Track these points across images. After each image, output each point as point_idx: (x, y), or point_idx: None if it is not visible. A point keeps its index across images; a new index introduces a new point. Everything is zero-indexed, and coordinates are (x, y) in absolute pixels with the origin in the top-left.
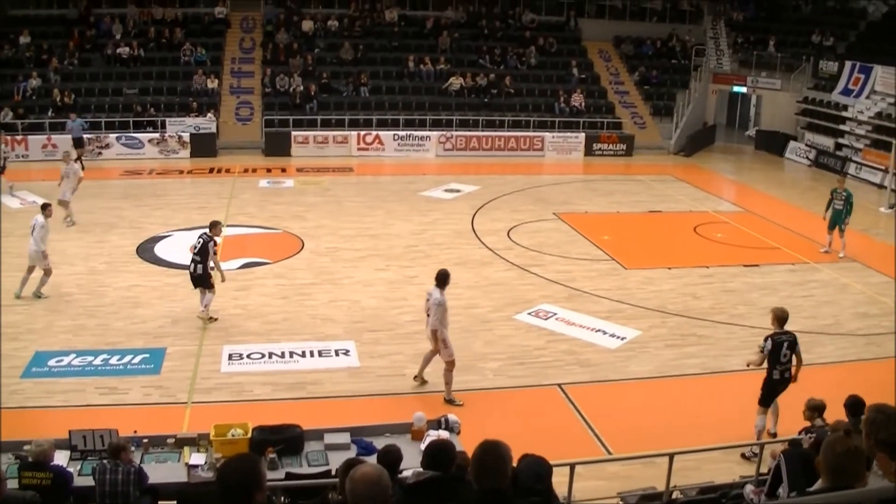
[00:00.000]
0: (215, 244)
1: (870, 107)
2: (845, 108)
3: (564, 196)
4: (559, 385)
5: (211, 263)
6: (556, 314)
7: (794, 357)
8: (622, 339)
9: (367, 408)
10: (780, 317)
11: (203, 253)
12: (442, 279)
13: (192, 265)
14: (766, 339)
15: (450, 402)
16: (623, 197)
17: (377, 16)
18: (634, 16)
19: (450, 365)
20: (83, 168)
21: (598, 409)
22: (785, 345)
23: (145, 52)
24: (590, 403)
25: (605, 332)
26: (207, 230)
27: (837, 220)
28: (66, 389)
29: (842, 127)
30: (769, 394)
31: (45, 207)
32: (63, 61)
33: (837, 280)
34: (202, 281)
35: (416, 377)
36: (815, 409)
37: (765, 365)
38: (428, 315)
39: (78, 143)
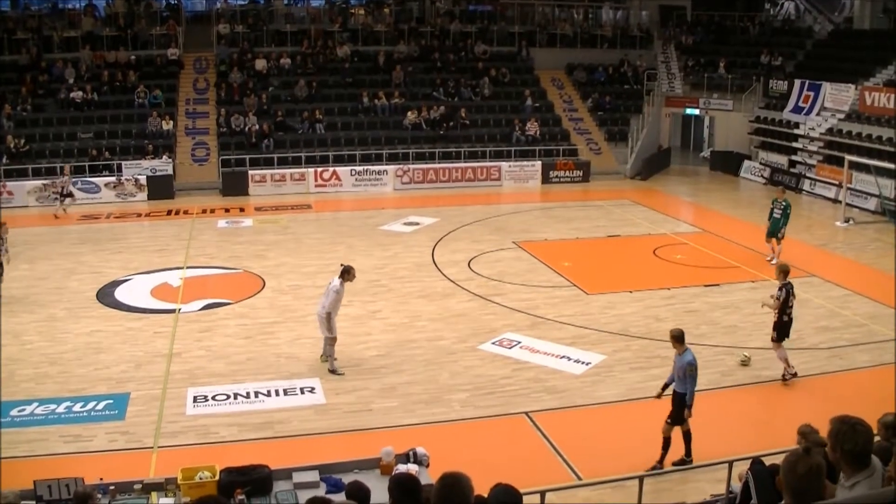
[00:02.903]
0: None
1: (821, 123)
2: (797, 125)
3: (524, 224)
4: (527, 413)
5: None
6: (520, 342)
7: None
8: (587, 364)
9: (336, 444)
10: (785, 270)
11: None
12: (345, 272)
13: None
14: (780, 289)
15: (333, 371)
16: (582, 223)
17: (330, 52)
18: (586, 43)
19: (332, 341)
20: None
21: (567, 435)
22: (791, 292)
23: (99, 96)
24: (558, 430)
25: (570, 358)
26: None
27: (776, 229)
28: (29, 439)
29: (794, 144)
30: (782, 332)
31: None
32: (16, 107)
33: (798, 295)
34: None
35: (322, 356)
36: (806, 435)
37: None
38: (324, 297)
39: None
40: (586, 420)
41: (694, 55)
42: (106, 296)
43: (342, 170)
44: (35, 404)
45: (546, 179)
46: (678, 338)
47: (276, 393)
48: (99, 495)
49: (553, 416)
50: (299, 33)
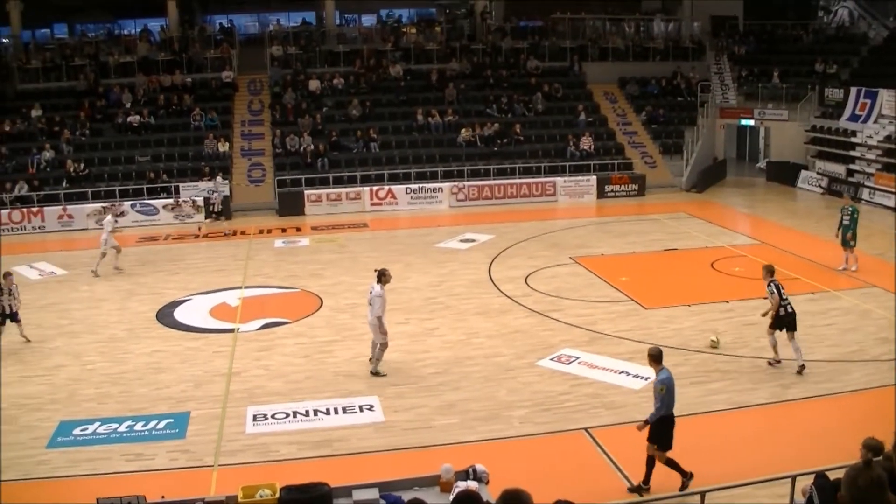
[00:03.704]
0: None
1: (878, 131)
2: (854, 133)
3: (579, 240)
4: (585, 429)
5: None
6: (578, 358)
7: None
8: (646, 379)
9: (395, 462)
10: (770, 269)
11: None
12: (381, 276)
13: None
14: (769, 285)
15: (376, 373)
16: (638, 237)
17: (382, 71)
18: (638, 56)
19: (384, 347)
20: None
21: (627, 451)
22: (781, 287)
23: (155, 120)
24: (617, 446)
25: (628, 374)
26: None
27: (847, 236)
28: (92, 458)
29: (852, 153)
30: (779, 322)
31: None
32: (75, 132)
33: (858, 307)
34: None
35: (371, 359)
36: (871, 448)
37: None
38: (370, 306)
39: None
40: (645, 435)
41: (747, 65)
42: (165, 316)
43: (397, 188)
44: (97, 423)
45: (601, 194)
46: (654, 357)
47: (335, 411)
48: None
49: (612, 431)
50: (352, 53)
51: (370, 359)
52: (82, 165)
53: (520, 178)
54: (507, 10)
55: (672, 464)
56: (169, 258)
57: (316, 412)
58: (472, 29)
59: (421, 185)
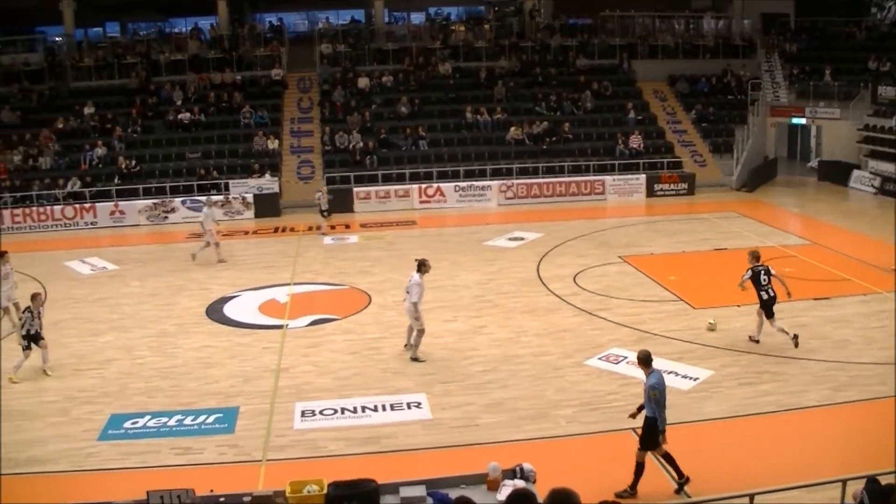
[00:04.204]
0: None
1: None
2: None
3: (628, 238)
4: (633, 429)
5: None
6: (626, 358)
7: (771, 280)
8: (695, 379)
9: (442, 459)
10: (756, 255)
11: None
12: (422, 265)
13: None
14: (748, 270)
15: (415, 359)
16: (687, 236)
17: (431, 69)
18: (687, 54)
19: (421, 332)
20: None
21: (675, 451)
22: (762, 273)
23: (206, 117)
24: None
25: (677, 374)
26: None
27: None
28: (142, 451)
29: None
30: (769, 309)
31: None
32: (126, 129)
33: None
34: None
35: (406, 345)
36: None
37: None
38: (408, 293)
39: None
40: (694, 436)
41: (798, 63)
42: (215, 312)
43: (446, 186)
44: (147, 417)
45: (650, 193)
46: (643, 360)
47: (383, 408)
48: None
49: None
50: (400, 51)
51: (405, 345)
52: (134, 162)
53: (568, 176)
54: (556, 8)
55: (640, 469)
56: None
57: (364, 409)
58: (520, 26)
59: (469, 183)
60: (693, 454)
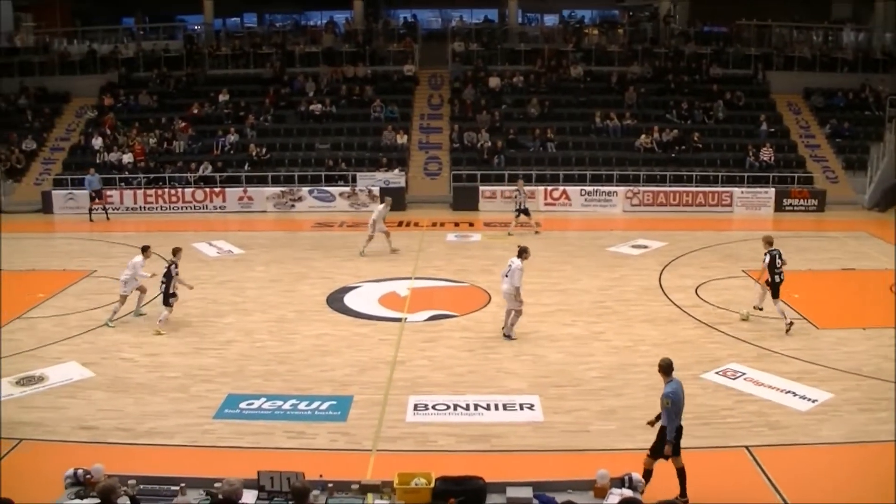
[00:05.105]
0: None
1: None
2: None
3: (754, 253)
4: (747, 447)
5: None
6: (744, 374)
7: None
8: (813, 401)
9: (551, 463)
10: (769, 240)
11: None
12: (523, 252)
13: None
14: (766, 254)
15: (508, 336)
16: (814, 254)
17: (563, 72)
18: (825, 67)
19: (519, 313)
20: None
21: (788, 473)
22: (777, 256)
23: (337, 109)
24: (779, 467)
25: (795, 394)
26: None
27: None
28: (255, 431)
29: None
30: (776, 290)
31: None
32: (259, 118)
33: None
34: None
35: (503, 328)
36: None
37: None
38: (506, 277)
39: (97, 194)
40: (809, 459)
41: None
42: (335, 301)
43: (572, 189)
44: (263, 399)
45: (779, 207)
46: (664, 368)
47: (496, 407)
48: (316, 492)
49: (774, 452)
50: (532, 52)
51: (503, 328)
52: (264, 150)
53: (696, 186)
54: (692, 14)
55: (647, 475)
56: (342, 244)
57: (476, 406)
58: (654, 32)
59: (595, 188)
60: (805, 477)
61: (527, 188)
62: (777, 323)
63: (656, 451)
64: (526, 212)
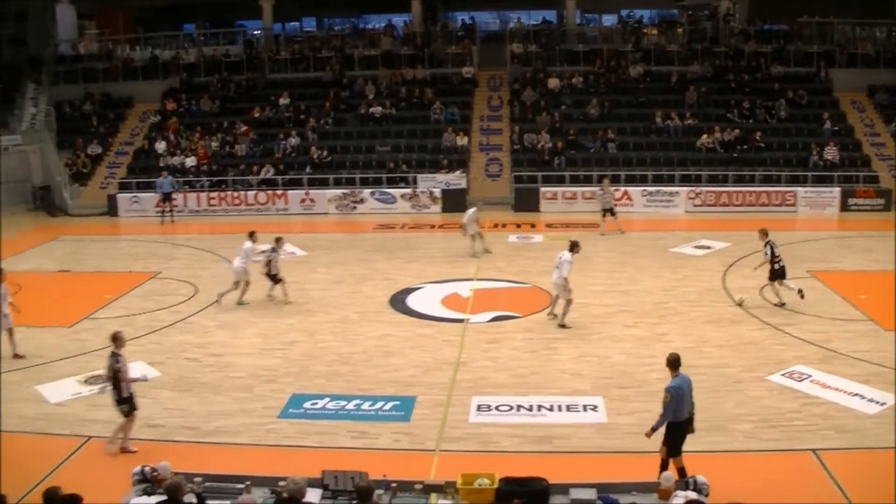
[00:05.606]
0: None
1: None
2: None
3: (818, 253)
4: (813, 450)
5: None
6: (810, 376)
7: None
8: (882, 404)
9: (614, 465)
10: (764, 231)
11: None
12: (575, 246)
13: None
14: (765, 245)
15: (563, 326)
16: (882, 254)
17: (622, 72)
18: (889, 63)
19: (569, 302)
20: (172, 220)
21: (856, 478)
22: (774, 246)
23: (396, 111)
24: (846, 471)
25: (862, 397)
26: None
27: None
28: (319, 431)
29: None
30: (776, 274)
31: None
32: (319, 121)
33: None
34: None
35: (549, 313)
36: None
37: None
38: (557, 268)
39: (166, 197)
40: (878, 464)
41: None
42: (398, 302)
43: (633, 190)
44: (326, 399)
45: (844, 207)
46: (671, 362)
47: (559, 408)
48: (380, 491)
49: (842, 456)
50: (591, 53)
51: (549, 313)
52: (325, 152)
53: (759, 186)
54: (752, 13)
55: (682, 472)
56: (404, 246)
57: (539, 408)
58: (714, 31)
59: (657, 189)
60: (874, 482)
61: (612, 188)
62: (845, 325)
63: (673, 449)
64: (612, 211)
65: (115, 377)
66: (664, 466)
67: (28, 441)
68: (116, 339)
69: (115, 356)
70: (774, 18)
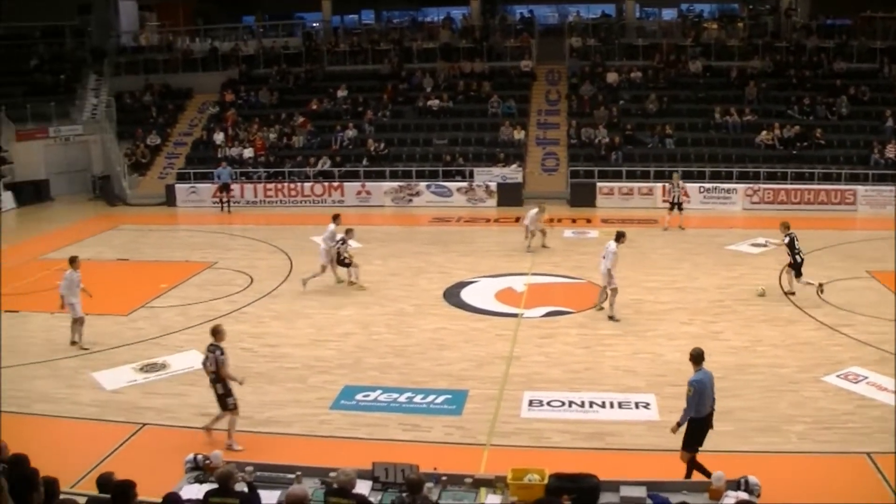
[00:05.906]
0: None
1: None
2: None
3: (878, 253)
4: (868, 454)
5: None
6: (867, 378)
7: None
8: None
9: (665, 463)
10: (786, 223)
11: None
12: (621, 236)
13: None
14: (785, 237)
15: (612, 318)
16: None
17: (681, 67)
18: None
19: (614, 292)
20: (229, 210)
21: None
22: (795, 239)
23: (454, 104)
24: None
25: None
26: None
27: None
28: (371, 423)
29: None
30: (798, 271)
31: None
32: (377, 113)
33: None
34: None
35: (596, 306)
36: None
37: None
38: (603, 258)
39: (224, 187)
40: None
41: None
42: (452, 296)
43: (691, 186)
44: (379, 391)
45: None
46: (695, 357)
47: (611, 405)
48: (430, 484)
49: None
50: (651, 47)
51: (598, 306)
52: (382, 145)
53: (818, 183)
54: (814, 7)
55: (699, 467)
56: (460, 239)
57: (591, 404)
58: (775, 26)
59: (715, 185)
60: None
61: (681, 183)
62: None
63: (691, 444)
64: (679, 206)
65: (218, 371)
66: (695, 467)
67: (83, 427)
68: (217, 332)
69: (217, 349)
70: (837, 13)
